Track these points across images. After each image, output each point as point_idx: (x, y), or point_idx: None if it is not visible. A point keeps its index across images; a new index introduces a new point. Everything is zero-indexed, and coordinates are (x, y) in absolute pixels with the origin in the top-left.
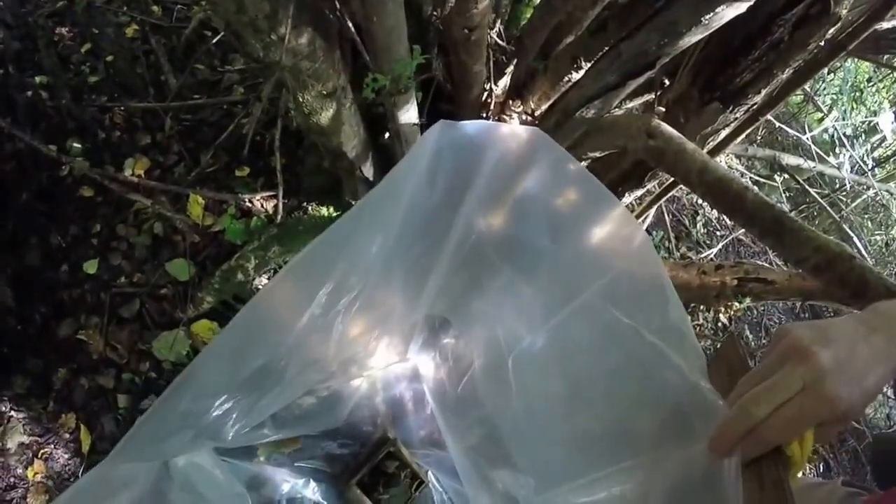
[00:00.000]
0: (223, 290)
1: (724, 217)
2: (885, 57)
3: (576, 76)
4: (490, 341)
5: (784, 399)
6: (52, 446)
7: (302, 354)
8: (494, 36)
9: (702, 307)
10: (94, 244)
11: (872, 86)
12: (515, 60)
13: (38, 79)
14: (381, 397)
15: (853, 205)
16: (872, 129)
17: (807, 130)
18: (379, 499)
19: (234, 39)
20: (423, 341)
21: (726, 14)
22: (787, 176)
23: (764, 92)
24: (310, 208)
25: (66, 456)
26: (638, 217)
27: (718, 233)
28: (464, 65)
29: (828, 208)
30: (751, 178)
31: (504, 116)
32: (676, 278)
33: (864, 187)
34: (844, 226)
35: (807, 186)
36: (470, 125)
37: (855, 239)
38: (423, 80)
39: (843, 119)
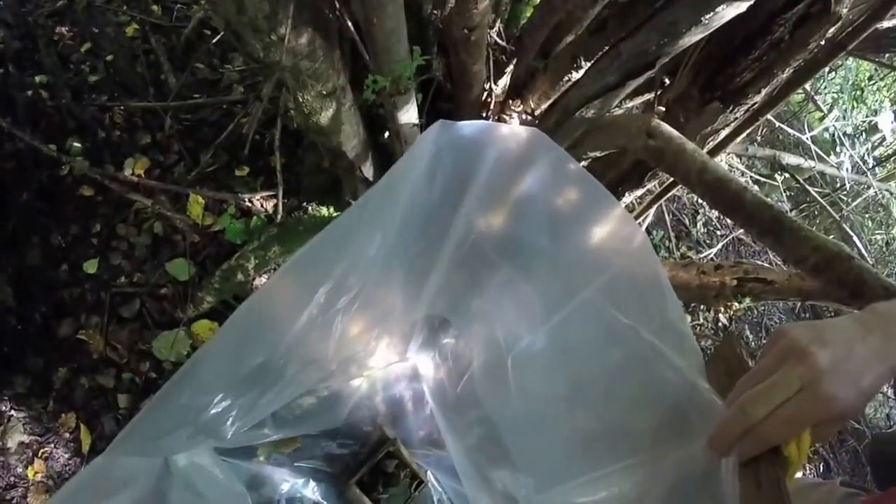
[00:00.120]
0: (223, 290)
1: (724, 217)
2: (886, 56)
3: (576, 76)
4: (489, 341)
5: (782, 399)
6: (53, 446)
7: (301, 353)
8: (494, 35)
9: (702, 307)
10: (95, 244)
11: (873, 84)
12: (515, 60)
13: (38, 78)
14: (381, 397)
15: (853, 204)
16: (873, 129)
17: (807, 130)
18: (378, 498)
19: (233, 39)
20: (423, 341)
21: (726, 13)
22: (787, 175)
23: (764, 91)
24: (310, 208)
25: (67, 455)
26: (638, 217)
27: (718, 232)
28: (463, 64)
29: (828, 208)
30: (751, 177)
31: (504, 116)
32: (676, 278)
33: (865, 187)
34: (845, 225)
35: (807, 186)
36: (469, 125)
37: (855, 238)
38: (422, 81)
39: (844, 118)
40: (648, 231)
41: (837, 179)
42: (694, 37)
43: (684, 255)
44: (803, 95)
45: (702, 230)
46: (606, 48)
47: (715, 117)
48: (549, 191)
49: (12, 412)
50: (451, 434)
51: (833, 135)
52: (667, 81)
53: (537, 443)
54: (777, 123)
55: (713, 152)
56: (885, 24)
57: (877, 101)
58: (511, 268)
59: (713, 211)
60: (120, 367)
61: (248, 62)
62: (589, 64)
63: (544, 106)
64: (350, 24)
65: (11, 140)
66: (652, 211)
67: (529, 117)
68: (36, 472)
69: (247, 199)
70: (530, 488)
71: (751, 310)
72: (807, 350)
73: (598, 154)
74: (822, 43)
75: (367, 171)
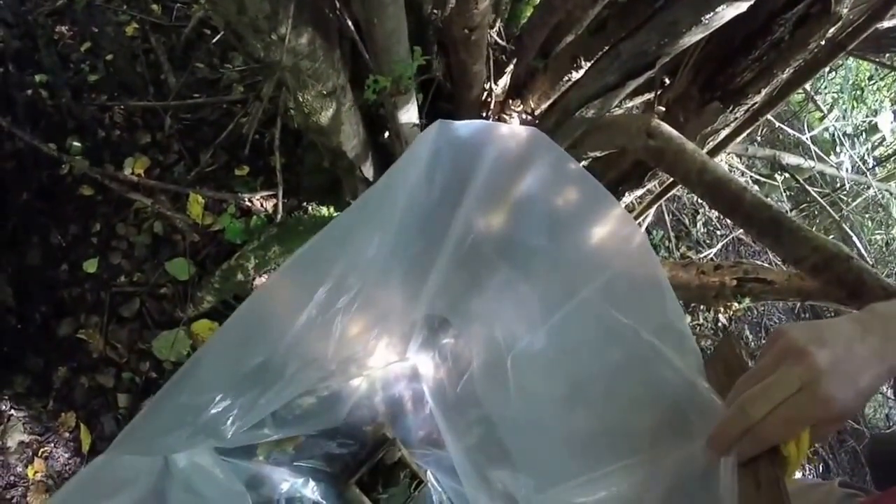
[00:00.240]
0: (223, 290)
1: (724, 217)
2: (886, 56)
3: (576, 75)
4: (489, 340)
5: (781, 399)
6: (53, 445)
7: (301, 352)
8: (494, 35)
9: (701, 307)
10: (94, 243)
11: (873, 84)
12: (515, 60)
13: (37, 77)
14: (381, 397)
15: (853, 204)
16: (873, 129)
17: (807, 130)
18: (378, 498)
19: (233, 39)
20: (423, 340)
21: (726, 13)
22: (787, 175)
23: (764, 91)
24: (310, 208)
25: (66, 455)
26: (638, 216)
27: (718, 232)
28: (464, 64)
29: (828, 208)
30: (751, 177)
31: (504, 116)
32: (676, 278)
33: (864, 187)
34: (844, 225)
35: (807, 186)
36: (468, 124)
37: (855, 238)
38: (423, 81)
39: (844, 118)
40: (648, 231)
41: (837, 179)
42: (694, 37)
43: (684, 255)
44: (803, 95)
45: (701, 230)
46: (606, 48)
47: (715, 117)
48: (548, 190)
49: (12, 411)
50: (451, 434)
51: (833, 135)
52: (667, 81)
53: (537, 443)
54: (777, 123)
55: (713, 152)
56: (886, 24)
57: (877, 101)
58: (510, 267)
59: (713, 211)
60: (120, 367)
61: (248, 62)
62: (589, 64)
63: (544, 106)
64: (350, 23)
65: (11, 139)
66: (652, 211)
67: (529, 117)
68: (36, 472)
69: (247, 199)
70: (530, 488)
71: (750, 310)
72: (806, 350)
73: (597, 154)
74: (823, 43)
75: (367, 170)
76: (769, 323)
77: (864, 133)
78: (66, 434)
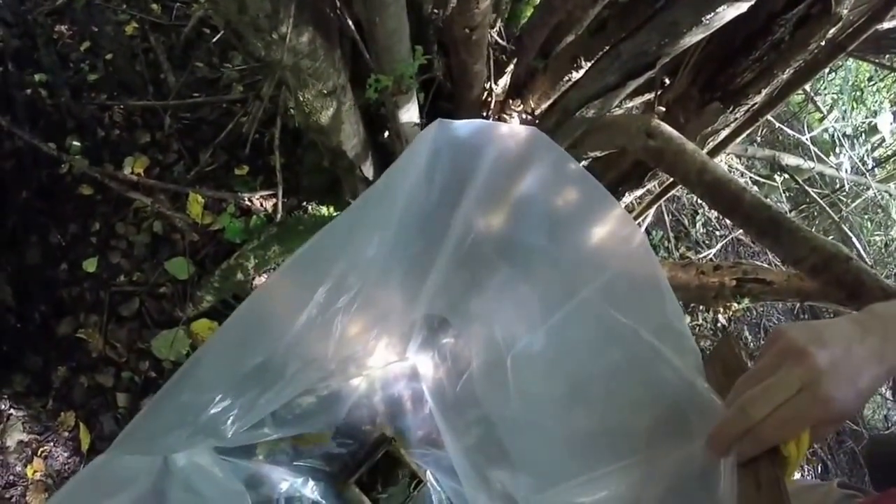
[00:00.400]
0: (223, 289)
1: (723, 217)
2: (886, 57)
3: (576, 76)
4: (488, 340)
5: (781, 400)
6: (52, 444)
7: (301, 352)
8: (495, 35)
9: (701, 307)
10: (94, 242)
11: (873, 85)
12: (515, 60)
13: (37, 77)
14: (380, 396)
15: (853, 205)
16: (872, 130)
17: (807, 130)
18: (377, 498)
19: (234, 38)
20: (422, 340)
21: (727, 14)
22: (786, 176)
23: (764, 92)
24: (309, 207)
25: (66, 454)
26: (637, 217)
27: (718, 233)
28: (464, 64)
29: (827, 209)
30: (751, 178)
31: (504, 115)
32: (675, 278)
33: (864, 188)
34: (844, 226)
35: (806, 187)
36: (467, 124)
37: (854, 239)
38: (423, 80)
39: (844, 119)
40: (648, 231)
41: (837, 180)
42: (694, 37)
43: (683, 255)
44: (803, 96)
45: (701, 231)
46: (606, 48)
47: (715, 118)
48: (548, 190)
49: (11, 411)
50: (450, 434)
51: (832, 136)
52: (667, 81)
53: (536, 443)
54: (777, 124)
55: (713, 153)
56: (886, 25)
57: (876, 102)
58: (510, 268)
59: (712, 211)
60: (119, 366)
61: (248, 61)
62: (589, 64)
63: (544, 106)
64: (350, 23)
65: (11, 139)
66: (651, 211)
67: (529, 117)
68: (35, 471)
69: (246, 199)
70: (529, 488)
71: (749, 310)
72: (806, 350)
73: (597, 154)
74: (823, 44)
75: (367, 170)
76: (768, 323)
77: (863, 134)
78: (66, 433)
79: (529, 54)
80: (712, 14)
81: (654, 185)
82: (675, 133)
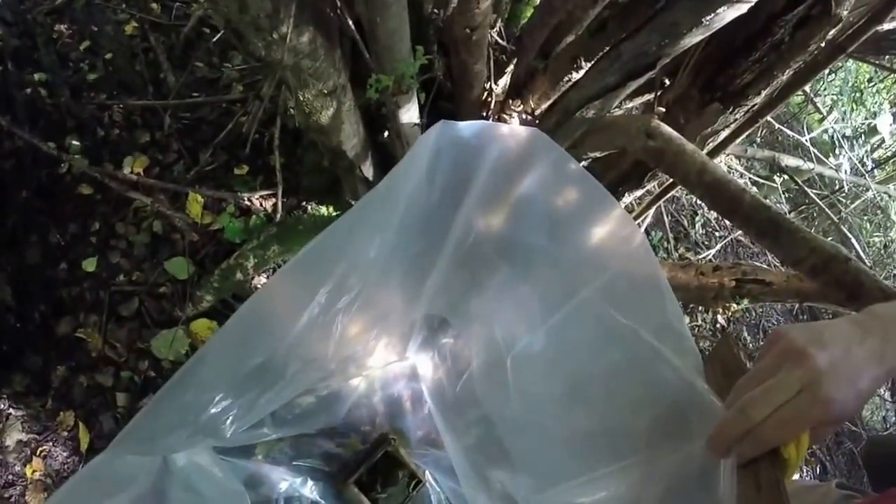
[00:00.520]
0: (222, 289)
1: (723, 218)
2: (886, 58)
3: (576, 76)
4: (488, 341)
5: (781, 401)
6: (51, 444)
7: (301, 352)
8: (495, 35)
9: (700, 308)
10: (93, 242)
11: (873, 87)
12: (515, 60)
13: (36, 76)
14: (380, 396)
15: (852, 206)
16: (872, 131)
17: (806, 131)
18: (376, 498)
19: (234, 38)
20: (422, 341)
21: (727, 15)
22: (786, 177)
23: (764, 93)
24: (309, 207)
25: (65, 454)
26: (637, 217)
27: (717, 234)
28: (464, 64)
29: (826, 210)
30: (750, 178)
31: (504, 116)
32: (674, 279)
33: (863, 189)
34: (843, 227)
35: (806, 188)
36: (469, 125)
37: (853, 241)
38: (424, 80)
39: (843, 120)
40: (647, 232)
41: (836, 181)
42: (694, 38)
43: (683, 256)
44: (803, 97)
45: (700, 231)
46: (607, 49)
47: (715, 118)
48: (548, 191)
49: (11, 410)
50: (450, 434)
51: (832, 137)
52: (667, 82)
53: (536, 443)
54: (776, 125)
55: (713, 153)
56: (886, 26)
57: (876, 103)
58: (510, 268)
59: (712, 212)
60: (118, 366)
61: (249, 61)
62: (589, 64)
63: (544, 106)
64: (351, 22)
65: (10, 138)
66: (651, 212)
67: (529, 117)
68: (34, 471)
69: (246, 198)
70: (529, 488)
71: (748, 311)
72: (806, 352)
73: (597, 154)
74: (823, 45)
75: (367, 170)
76: (767, 324)
77: (863, 135)
78: (65, 433)
79: (529, 54)
80: (712, 15)
81: (654, 186)
82: (674, 134)
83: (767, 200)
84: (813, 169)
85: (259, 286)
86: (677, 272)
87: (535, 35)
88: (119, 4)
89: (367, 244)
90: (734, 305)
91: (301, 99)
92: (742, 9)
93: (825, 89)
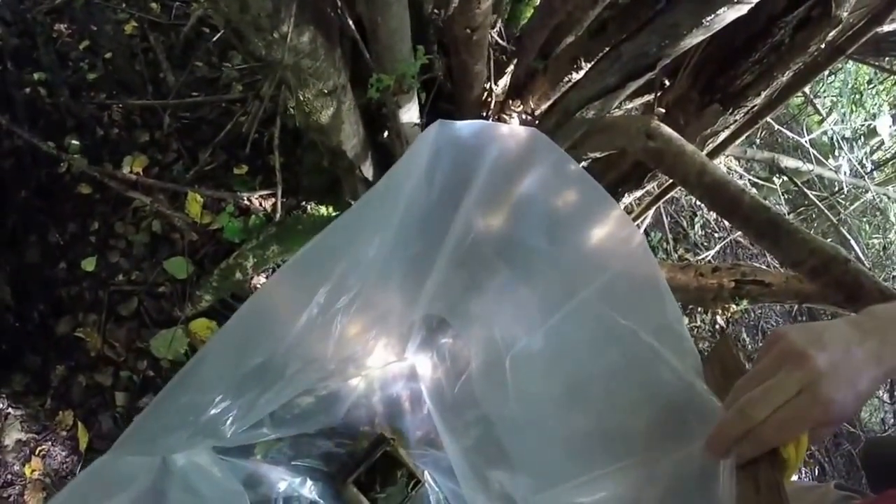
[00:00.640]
0: (221, 289)
1: (722, 219)
2: (886, 60)
3: (576, 77)
4: (487, 341)
5: (781, 402)
6: (50, 443)
7: (301, 353)
8: (495, 35)
9: (699, 309)
10: (93, 242)
11: (872, 88)
12: (515, 60)
13: (36, 75)
14: (379, 397)
15: (851, 208)
16: (871, 132)
17: (806, 133)
18: (375, 498)
19: (234, 37)
20: (421, 341)
21: (727, 16)
22: (785, 178)
23: (764, 94)
24: (309, 207)
25: (64, 453)
26: (636, 218)
27: (716, 235)
28: (464, 64)
29: (826, 211)
30: (749, 180)
31: (504, 116)
32: (674, 280)
33: (863, 190)
34: (842, 229)
35: (805, 189)
36: (468, 125)
37: (853, 242)
38: (424, 80)
39: (843, 122)
40: (646, 233)
41: (835, 183)
42: (695, 39)
43: (682, 257)
44: (802, 99)
45: (699, 232)
46: (607, 50)
47: (715, 119)
48: (548, 191)
49: (10, 410)
50: (449, 434)
51: (832, 138)
52: (667, 83)
53: (535, 443)
54: (776, 126)
55: (713, 154)
56: (885, 28)
57: (875, 104)
58: (509, 268)
59: (711, 213)
60: (118, 366)
61: (248, 60)
62: (589, 65)
63: (544, 106)
64: (351, 22)
65: (10, 137)
66: (650, 213)
67: (529, 118)
68: (33, 470)
69: (245, 198)
70: (528, 489)
71: (747, 312)
72: (805, 353)
73: (597, 155)
74: (823, 46)
75: (367, 170)
76: (766, 326)
77: (862, 137)
78: (64, 432)
79: (529, 55)
80: (713, 16)
81: (653, 187)
82: (674, 134)
83: (767, 202)
84: (812, 170)
85: (258, 286)
86: (676, 273)
87: (535, 36)
88: (119, 4)
89: (367, 244)
90: (733, 306)
91: (301, 98)
92: (742, 10)
93: (825, 91)
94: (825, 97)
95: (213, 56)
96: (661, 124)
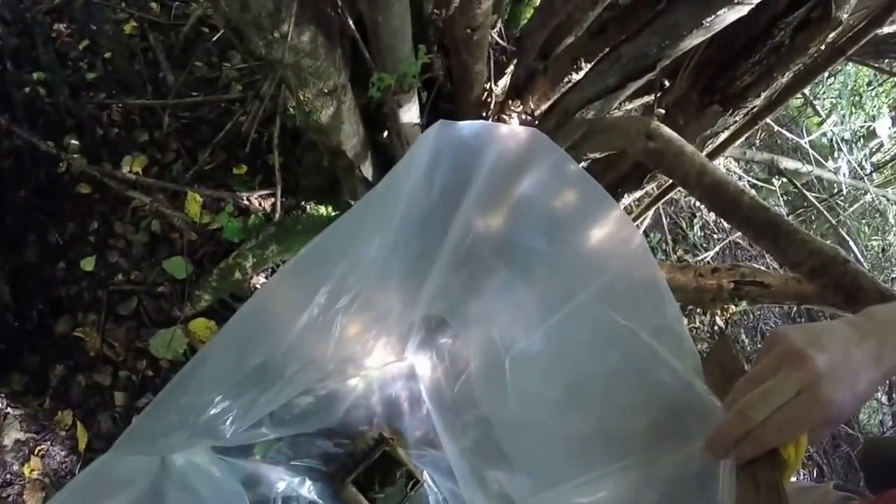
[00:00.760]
0: (220, 289)
1: (721, 220)
2: (885, 62)
3: (576, 77)
4: (487, 342)
5: (780, 402)
6: (49, 443)
7: (301, 353)
8: (495, 36)
9: (698, 310)
10: (92, 241)
11: (872, 90)
12: (515, 60)
13: (35, 75)
14: (378, 397)
15: (850, 210)
16: (871, 134)
17: (805, 134)
18: (374, 498)
19: (234, 37)
20: (421, 341)
21: (728, 17)
22: (784, 180)
23: (764, 95)
24: (308, 207)
25: (63, 453)
26: (636, 219)
27: (715, 236)
28: (465, 64)
29: (825, 213)
30: (749, 181)
31: (504, 116)
32: (673, 280)
33: (862, 192)
34: (841, 230)
35: (804, 191)
36: (468, 125)
37: (851, 244)
38: (425, 80)
39: (842, 123)
40: (645, 234)
41: (835, 184)
42: (695, 40)
43: (681, 258)
44: (802, 100)
45: (699, 234)
46: (607, 50)
47: (714, 120)
48: (547, 192)
49: (9, 409)
50: (448, 434)
51: (831, 140)
52: (667, 84)
53: (534, 444)
54: (776, 127)
55: (712, 155)
56: (885, 29)
57: (875, 106)
58: (509, 269)
59: (710, 214)
60: (117, 365)
61: (248, 60)
62: (589, 66)
63: (544, 107)
64: (351, 22)
65: (9, 137)
66: (649, 214)
67: (529, 118)
68: (32, 470)
69: (245, 198)
70: (527, 489)
71: (746, 314)
72: (805, 353)
73: (597, 156)
74: (822, 48)
75: (366, 170)
76: (765, 327)
77: (861, 138)
78: (63, 432)
79: (529, 55)
80: (713, 17)
81: (653, 188)
82: (674, 135)
83: (766, 203)
84: (811, 172)
85: (257, 286)
86: (676, 274)
87: (535, 36)
88: (118, 3)
89: (367, 244)
90: (732, 307)
91: (301, 98)
92: (742, 11)
93: (824, 92)
94: (825, 99)
95: (212, 56)
96: (661, 125)
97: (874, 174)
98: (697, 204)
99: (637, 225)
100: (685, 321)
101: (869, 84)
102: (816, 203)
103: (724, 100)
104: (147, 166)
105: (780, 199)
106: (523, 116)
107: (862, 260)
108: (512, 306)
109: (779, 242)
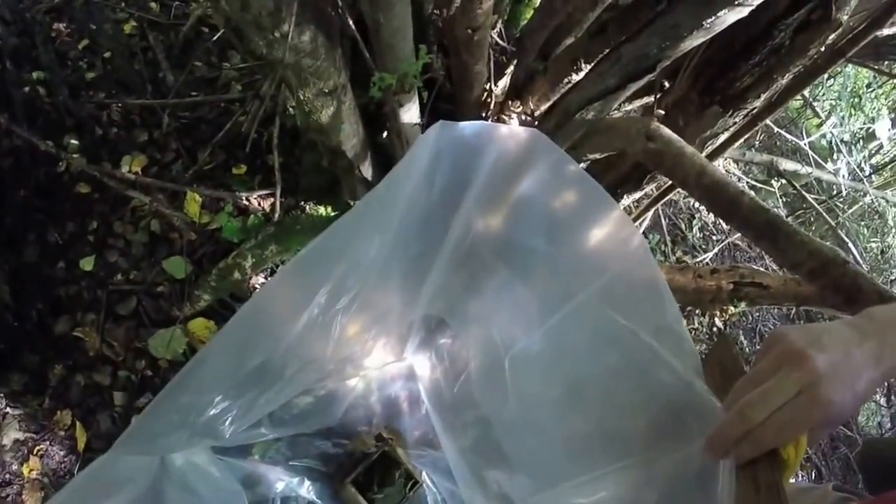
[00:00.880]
0: (220, 289)
1: (721, 221)
2: (885, 64)
3: (576, 78)
4: (486, 342)
5: (780, 403)
6: (48, 443)
7: (300, 353)
8: (495, 36)
9: (697, 311)
10: (91, 241)
11: (871, 92)
12: (515, 61)
13: (35, 75)
14: (377, 397)
15: (849, 211)
16: (870, 136)
17: (805, 136)
18: (373, 498)
19: (234, 37)
20: (420, 341)
21: (728, 18)
22: (784, 181)
23: (763, 96)
24: (307, 207)
25: (62, 453)
26: (635, 220)
27: (714, 237)
28: (465, 64)
29: (824, 214)
30: (748, 182)
31: (503, 117)
32: (672, 281)
33: (861, 194)
34: (840, 232)
35: (804, 192)
36: (469, 125)
37: (851, 246)
38: (425, 80)
39: (842, 125)
40: (644, 235)
41: (834, 186)
42: (695, 41)
43: (680, 259)
44: (802, 102)
45: (698, 235)
46: (607, 51)
47: (714, 121)
48: (547, 192)
49: (8, 409)
50: (447, 435)
51: (830, 141)
52: (667, 85)
53: (534, 444)
54: (775, 129)
55: (712, 156)
56: (885, 31)
57: (874, 108)
58: (509, 269)
59: (709, 215)
60: (116, 365)
61: (248, 60)
62: (589, 66)
63: (544, 107)
64: (351, 22)
65: (9, 137)
66: (649, 215)
67: (529, 118)
68: (31, 470)
69: (244, 198)
70: (526, 489)
71: (745, 315)
72: (805, 354)
73: (597, 156)
74: (822, 49)
75: (366, 170)
76: (764, 328)
77: (861, 140)
78: (62, 432)
79: (529, 56)
80: (713, 18)
81: (652, 189)
82: (674, 136)
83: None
84: (811, 173)
85: (257, 286)
86: (675, 275)
87: (535, 36)
88: (118, 3)
89: (367, 245)
90: (731, 308)
91: (301, 98)
92: (743, 12)
93: (824, 94)
94: (824, 100)
95: (212, 56)
96: (661, 126)
97: (873, 176)
98: (696, 205)
99: (637, 225)
100: (684, 321)
101: (868, 86)
102: (816, 205)
103: (724, 101)
104: (146, 166)
105: (780, 200)
106: (523, 117)
107: (861, 261)
108: (512, 306)
109: (778, 243)
